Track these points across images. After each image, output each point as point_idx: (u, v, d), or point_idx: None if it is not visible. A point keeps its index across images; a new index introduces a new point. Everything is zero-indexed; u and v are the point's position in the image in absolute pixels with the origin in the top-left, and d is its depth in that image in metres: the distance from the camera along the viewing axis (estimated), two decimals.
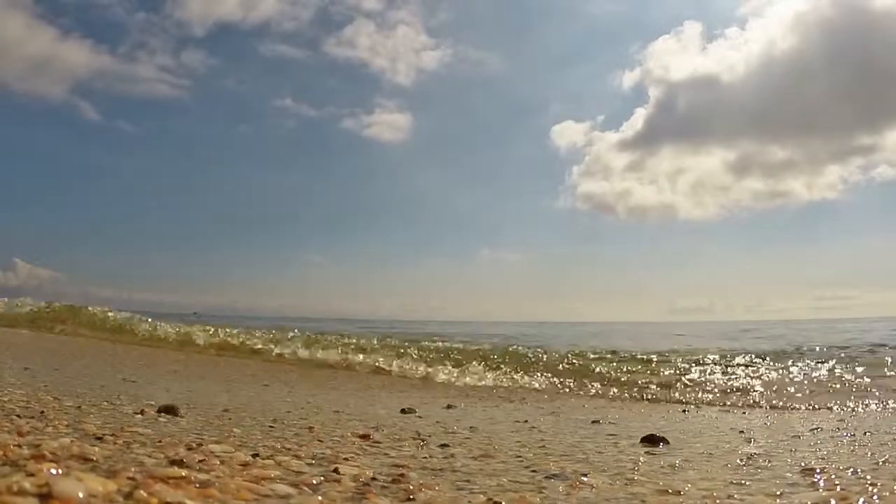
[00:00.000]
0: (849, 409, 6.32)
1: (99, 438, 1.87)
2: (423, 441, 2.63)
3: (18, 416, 2.25)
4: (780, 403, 7.36)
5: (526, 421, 4.04)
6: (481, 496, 1.54)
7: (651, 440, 2.87)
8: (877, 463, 2.18)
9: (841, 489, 1.68)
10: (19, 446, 1.47)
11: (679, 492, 1.69)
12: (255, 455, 1.83)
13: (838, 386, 9.22)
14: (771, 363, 12.30)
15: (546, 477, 1.87)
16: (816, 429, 3.71)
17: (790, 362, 12.22)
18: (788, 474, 1.97)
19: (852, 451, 2.61)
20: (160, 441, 1.96)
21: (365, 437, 2.58)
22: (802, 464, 2.17)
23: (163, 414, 2.76)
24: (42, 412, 2.38)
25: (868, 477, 1.85)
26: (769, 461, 2.29)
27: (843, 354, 13.64)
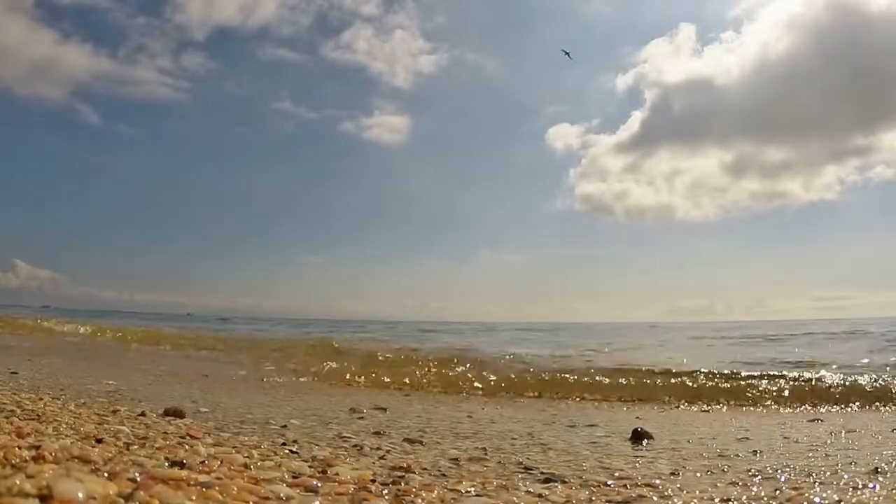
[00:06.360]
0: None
1: (99, 440, 1.87)
2: None
3: (18, 417, 2.25)
4: None
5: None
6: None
7: None
8: None
9: None
10: (20, 448, 1.47)
11: None
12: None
13: None
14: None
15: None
16: None
17: None
18: None
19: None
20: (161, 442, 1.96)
21: None
22: None
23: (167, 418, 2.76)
24: (42, 414, 2.38)
25: None
26: None
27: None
